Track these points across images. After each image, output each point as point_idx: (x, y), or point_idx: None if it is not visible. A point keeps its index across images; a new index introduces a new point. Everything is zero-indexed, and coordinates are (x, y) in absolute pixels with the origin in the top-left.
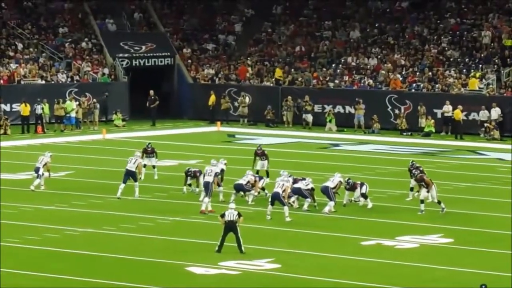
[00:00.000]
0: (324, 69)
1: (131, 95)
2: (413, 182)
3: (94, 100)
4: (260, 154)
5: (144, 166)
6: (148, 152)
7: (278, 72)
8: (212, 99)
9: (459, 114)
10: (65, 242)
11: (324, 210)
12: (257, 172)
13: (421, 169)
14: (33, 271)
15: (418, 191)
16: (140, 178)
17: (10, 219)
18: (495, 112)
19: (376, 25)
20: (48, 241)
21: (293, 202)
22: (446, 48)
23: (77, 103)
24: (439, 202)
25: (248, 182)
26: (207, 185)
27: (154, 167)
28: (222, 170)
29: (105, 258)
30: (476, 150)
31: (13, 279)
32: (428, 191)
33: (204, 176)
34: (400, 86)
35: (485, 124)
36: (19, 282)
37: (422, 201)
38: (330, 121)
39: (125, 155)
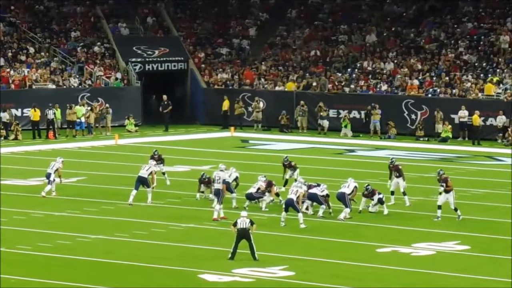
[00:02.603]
0: (340, 73)
1: (144, 100)
2: (393, 185)
3: (107, 105)
4: (287, 165)
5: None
6: (156, 159)
7: (290, 86)
8: (226, 104)
9: (477, 120)
10: (77, 249)
11: (340, 216)
12: (286, 181)
13: (400, 167)
14: (46, 279)
15: (440, 193)
16: (153, 186)
17: (21, 226)
18: None
19: (393, 29)
20: (60, 248)
21: (307, 208)
22: (463, 53)
23: (89, 108)
24: (455, 209)
25: (259, 189)
26: (218, 192)
27: (164, 173)
28: (237, 177)
29: (118, 265)
30: (494, 156)
31: (25, 287)
32: (445, 191)
33: (213, 183)
34: (417, 91)
35: (509, 129)
36: None
37: (439, 207)
38: (345, 126)
39: (137, 160)
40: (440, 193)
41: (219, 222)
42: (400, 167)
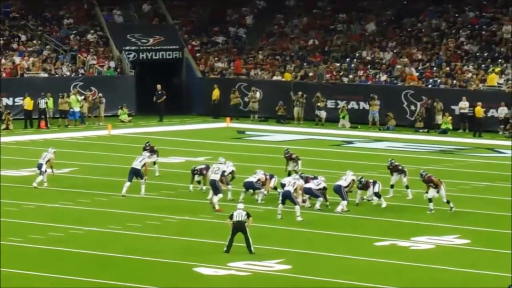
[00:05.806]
0: (338, 63)
1: (138, 89)
2: (393, 179)
3: (100, 94)
4: (288, 158)
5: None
6: (147, 150)
7: (288, 76)
8: (216, 93)
9: (480, 111)
10: (70, 241)
11: (337, 209)
12: (289, 173)
13: (400, 167)
14: (37, 272)
15: (426, 192)
16: (145, 178)
17: (12, 217)
18: None
19: (393, 18)
20: (52, 240)
21: (304, 201)
22: (465, 42)
23: (82, 97)
24: (448, 202)
25: (259, 180)
26: (213, 183)
27: (154, 163)
28: (233, 171)
29: (111, 258)
30: (495, 148)
31: (17, 279)
32: (438, 191)
33: (211, 173)
34: (416, 82)
35: (511, 121)
36: (23, 282)
37: (430, 200)
38: (343, 117)
39: (131, 151)
40: (427, 192)
41: (215, 215)
42: (400, 167)
